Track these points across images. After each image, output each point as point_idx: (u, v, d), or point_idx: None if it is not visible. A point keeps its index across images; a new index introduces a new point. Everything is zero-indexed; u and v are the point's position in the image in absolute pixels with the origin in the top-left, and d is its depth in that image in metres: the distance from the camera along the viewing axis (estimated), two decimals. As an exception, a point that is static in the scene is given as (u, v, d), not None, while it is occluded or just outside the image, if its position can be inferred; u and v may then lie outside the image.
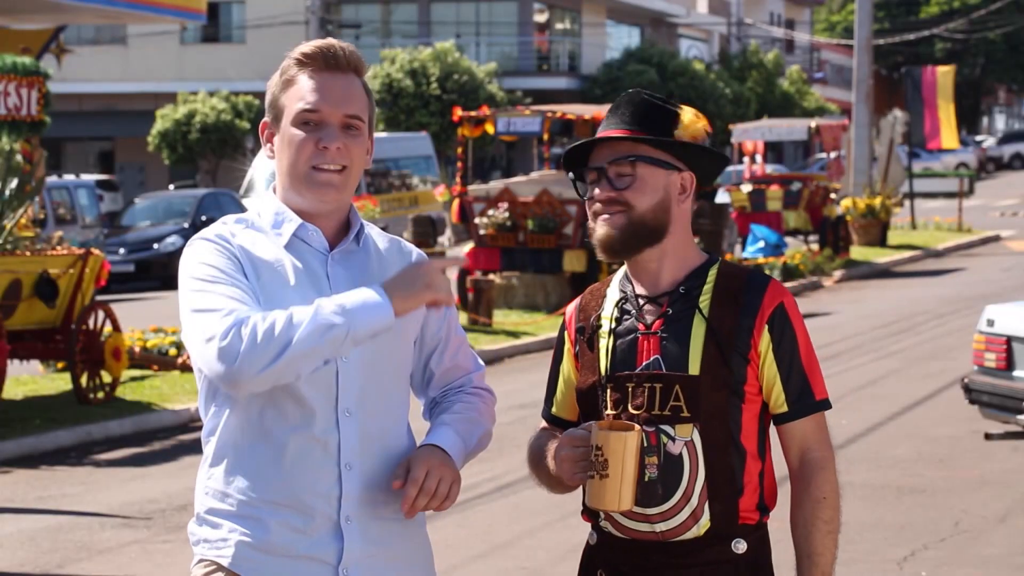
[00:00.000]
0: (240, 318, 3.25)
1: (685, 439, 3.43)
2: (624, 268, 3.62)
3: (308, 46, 3.49)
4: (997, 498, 9.86)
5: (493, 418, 3.65)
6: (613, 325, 3.54)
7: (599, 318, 3.57)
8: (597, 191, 3.50)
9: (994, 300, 14.12)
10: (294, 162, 3.44)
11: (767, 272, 23.68)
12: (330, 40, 3.51)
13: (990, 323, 10.58)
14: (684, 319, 3.48)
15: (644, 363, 3.48)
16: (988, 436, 10.51)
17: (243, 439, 3.41)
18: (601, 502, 3.38)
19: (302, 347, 3.23)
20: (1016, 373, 10.35)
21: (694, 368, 3.44)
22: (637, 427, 3.38)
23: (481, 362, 3.73)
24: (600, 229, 3.51)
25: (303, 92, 3.44)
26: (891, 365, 15.80)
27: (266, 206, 3.52)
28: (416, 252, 3.63)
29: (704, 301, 3.49)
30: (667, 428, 3.44)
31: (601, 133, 3.54)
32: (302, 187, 3.45)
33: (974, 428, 11.71)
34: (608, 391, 3.50)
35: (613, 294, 3.59)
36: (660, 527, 3.45)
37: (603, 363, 3.52)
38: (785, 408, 3.51)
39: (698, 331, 3.46)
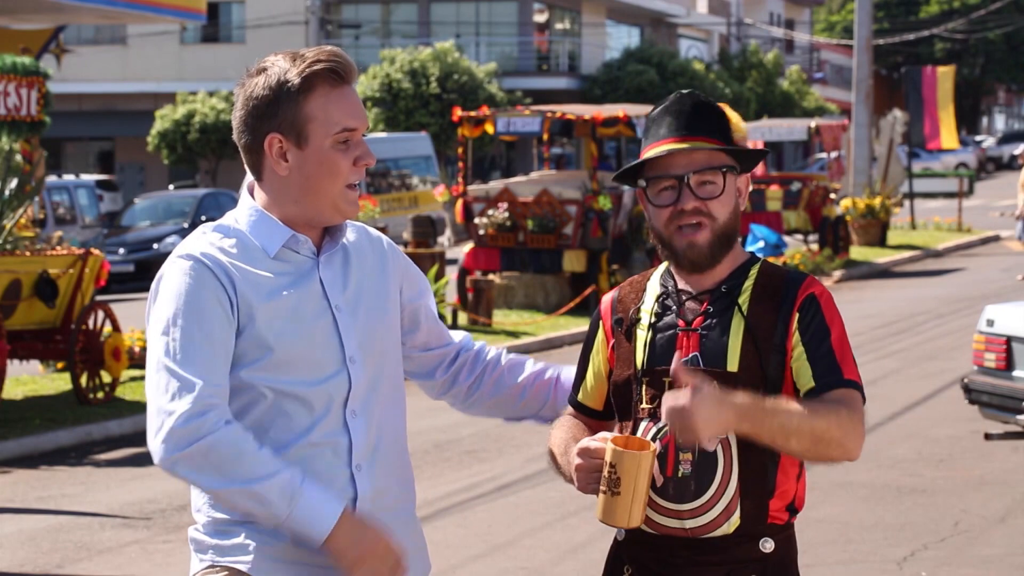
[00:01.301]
0: (214, 420, 3.23)
1: (720, 436, 3.42)
2: (665, 263, 3.61)
3: (321, 56, 3.38)
4: (997, 498, 9.86)
5: None
6: (652, 320, 3.53)
7: (638, 311, 3.56)
8: (685, 201, 3.46)
9: (994, 300, 14.12)
10: (331, 182, 3.38)
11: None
12: (333, 48, 3.42)
13: (990, 323, 10.58)
14: (724, 316, 3.48)
15: (682, 360, 3.46)
16: (988, 436, 10.50)
17: None
18: (612, 519, 3.36)
19: (232, 498, 3.27)
20: (1016, 373, 10.35)
21: (732, 365, 3.43)
22: (653, 446, 3.35)
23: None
24: (683, 245, 3.48)
25: (337, 110, 3.36)
26: (891, 365, 15.79)
27: (248, 215, 3.45)
28: (385, 240, 3.62)
29: (743, 299, 3.49)
30: None
31: (666, 140, 3.48)
32: (335, 205, 3.41)
33: (974, 428, 11.70)
34: (644, 385, 3.49)
35: (653, 288, 3.58)
36: (690, 524, 3.44)
37: (640, 357, 3.51)
38: (812, 384, 3.42)
39: (737, 329, 3.46)
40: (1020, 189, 25.27)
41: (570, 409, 3.70)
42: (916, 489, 10.13)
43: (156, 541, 9.28)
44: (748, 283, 3.51)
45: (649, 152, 3.50)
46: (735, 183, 3.53)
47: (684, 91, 3.59)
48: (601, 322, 3.65)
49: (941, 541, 8.82)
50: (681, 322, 3.50)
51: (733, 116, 3.64)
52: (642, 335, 3.53)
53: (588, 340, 3.68)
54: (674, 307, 3.52)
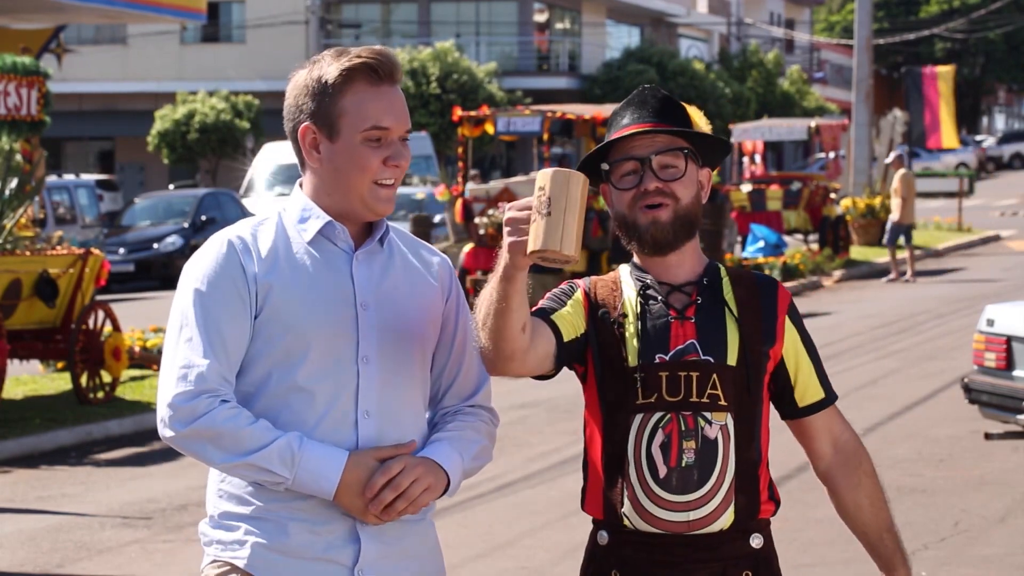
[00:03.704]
0: (209, 400, 3.32)
1: (720, 423, 3.45)
2: (630, 264, 3.61)
3: (364, 52, 3.42)
4: (997, 498, 9.86)
5: (492, 436, 3.61)
6: (639, 310, 3.51)
7: (623, 305, 3.53)
8: (647, 182, 3.50)
9: (994, 300, 14.11)
10: (358, 178, 3.41)
11: (767, 272, 23.71)
12: (381, 48, 3.47)
13: (990, 323, 10.58)
14: (715, 310, 3.51)
15: (678, 347, 3.47)
16: (988, 436, 10.51)
17: None
18: (544, 242, 3.16)
19: (236, 471, 3.37)
20: (1016, 373, 10.36)
21: (732, 359, 3.47)
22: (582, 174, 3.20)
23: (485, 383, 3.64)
24: (646, 222, 3.50)
25: (370, 107, 3.40)
26: (891, 365, 15.79)
27: (293, 202, 3.51)
28: (439, 258, 3.61)
29: (728, 296, 3.53)
30: (705, 413, 3.45)
31: (634, 126, 3.52)
32: (364, 201, 3.43)
33: (974, 428, 11.70)
34: (639, 378, 3.46)
35: (629, 284, 3.57)
36: (691, 515, 3.44)
37: (633, 347, 3.48)
38: (821, 395, 3.61)
39: (731, 324, 3.50)
40: (893, 195, 25.27)
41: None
42: (916, 489, 10.13)
43: (156, 541, 9.28)
44: (725, 281, 3.56)
45: (613, 136, 3.54)
46: (697, 171, 3.56)
47: (646, 86, 3.63)
48: (579, 291, 3.55)
49: (941, 541, 8.82)
50: (672, 311, 3.50)
51: (695, 113, 3.62)
52: (631, 327, 3.50)
53: (557, 296, 3.58)
54: (660, 297, 3.52)
